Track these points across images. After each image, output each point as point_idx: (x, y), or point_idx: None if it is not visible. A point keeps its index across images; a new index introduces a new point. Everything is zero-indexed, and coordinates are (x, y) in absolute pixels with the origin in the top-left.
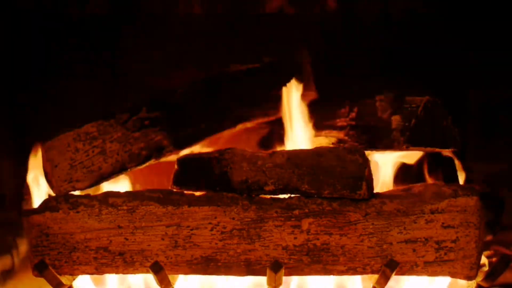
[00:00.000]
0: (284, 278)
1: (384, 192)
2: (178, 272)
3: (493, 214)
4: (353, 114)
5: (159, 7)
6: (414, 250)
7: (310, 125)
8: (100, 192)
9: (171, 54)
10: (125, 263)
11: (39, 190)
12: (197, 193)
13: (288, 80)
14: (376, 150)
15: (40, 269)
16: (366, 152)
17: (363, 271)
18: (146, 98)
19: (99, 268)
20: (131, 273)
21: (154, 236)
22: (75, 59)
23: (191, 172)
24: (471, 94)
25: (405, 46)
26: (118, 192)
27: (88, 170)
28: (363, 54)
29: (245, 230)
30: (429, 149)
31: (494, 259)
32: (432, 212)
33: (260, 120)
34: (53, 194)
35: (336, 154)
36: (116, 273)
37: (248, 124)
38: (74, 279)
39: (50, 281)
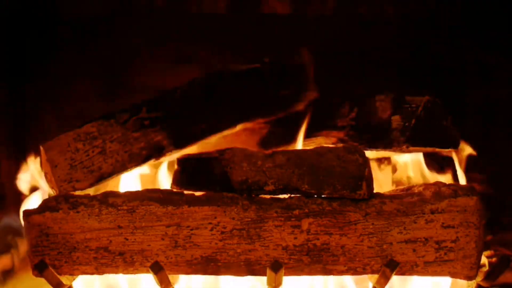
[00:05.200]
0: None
1: (384, 192)
2: (178, 272)
3: (493, 214)
4: (353, 114)
5: (159, 6)
6: (414, 250)
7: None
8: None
9: (171, 53)
10: (125, 263)
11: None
12: (197, 193)
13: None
14: (376, 150)
15: (40, 269)
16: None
17: (363, 271)
18: (146, 98)
19: (99, 268)
20: (131, 273)
21: (154, 236)
22: (75, 58)
23: (191, 172)
24: (470, 93)
25: (405, 46)
26: (118, 192)
27: (88, 170)
28: (364, 54)
29: (245, 230)
30: (429, 149)
31: (494, 259)
32: (432, 212)
33: (260, 120)
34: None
35: (336, 154)
36: (116, 273)
37: (248, 124)
38: (74, 279)
39: (50, 281)
